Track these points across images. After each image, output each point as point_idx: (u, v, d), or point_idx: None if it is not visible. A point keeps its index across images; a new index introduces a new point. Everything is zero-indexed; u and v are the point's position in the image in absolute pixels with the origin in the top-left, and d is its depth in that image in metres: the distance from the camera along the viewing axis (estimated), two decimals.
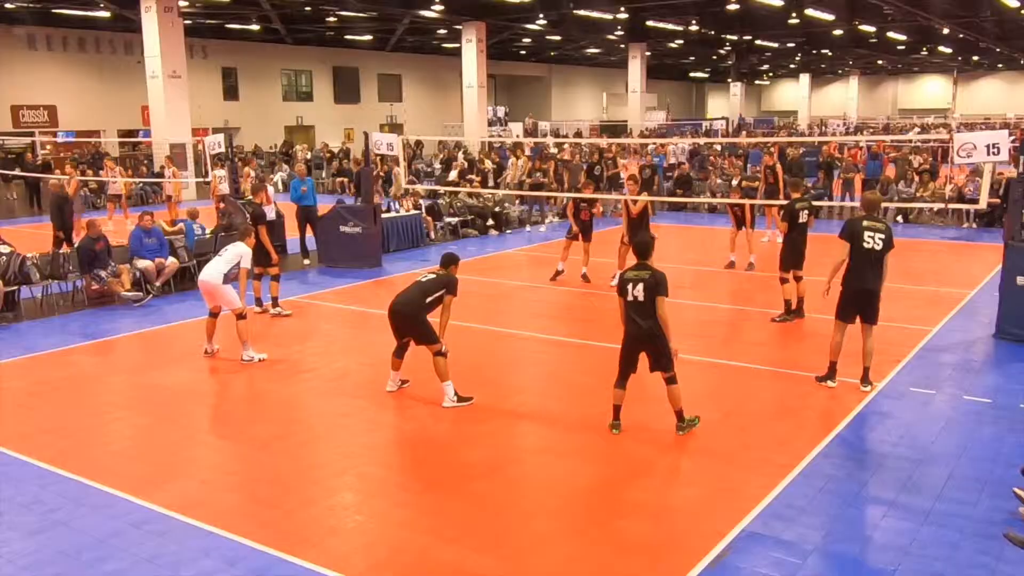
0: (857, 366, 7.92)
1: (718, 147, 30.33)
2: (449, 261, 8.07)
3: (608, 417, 6.97)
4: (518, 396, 8.12)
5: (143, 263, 12.16)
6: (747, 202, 14.31)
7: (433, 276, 7.84)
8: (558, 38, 40.06)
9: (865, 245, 7.47)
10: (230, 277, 9.19)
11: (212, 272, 9.11)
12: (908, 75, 66.71)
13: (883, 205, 19.34)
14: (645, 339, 6.68)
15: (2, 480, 6.22)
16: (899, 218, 19.58)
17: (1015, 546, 4.99)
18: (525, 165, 23.07)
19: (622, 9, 31.59)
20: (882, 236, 7.52)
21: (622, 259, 12.59)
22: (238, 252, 9.24)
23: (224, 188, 18.91)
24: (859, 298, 7.61)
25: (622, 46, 42.27)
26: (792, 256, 10.32)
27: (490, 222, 18.71)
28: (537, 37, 39.80)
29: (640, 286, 6.60)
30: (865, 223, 7.56)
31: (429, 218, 17.60)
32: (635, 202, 12.45)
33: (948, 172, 20.51)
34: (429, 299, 7.67)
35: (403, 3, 28.86)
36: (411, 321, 7.62)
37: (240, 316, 9.13)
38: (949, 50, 46.01)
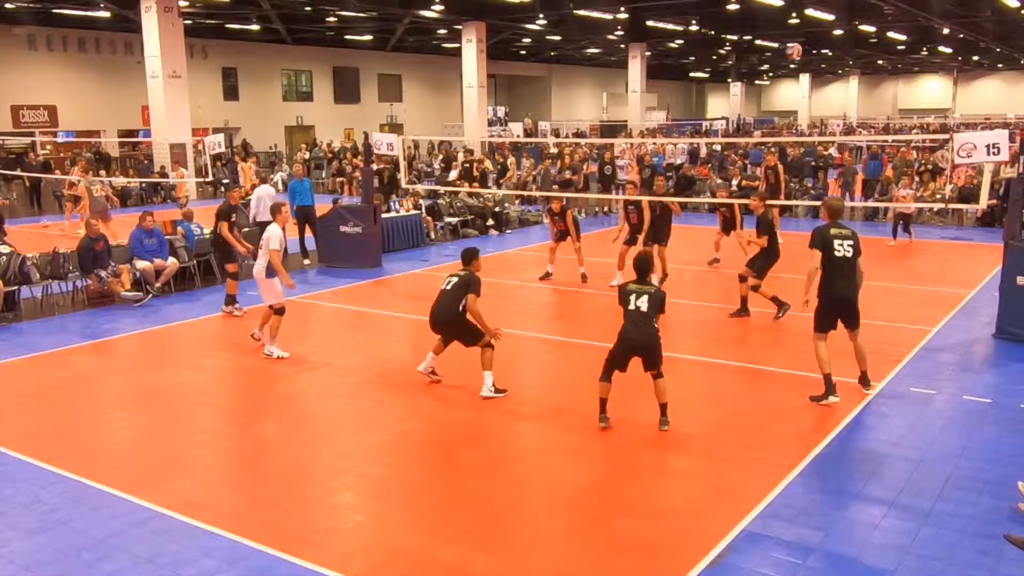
0: (854, 366, 7.91)
1: (717, 147, 30.34)
2: (470, 257, 8.09)
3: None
4: (518, 396, 8.11)
5: (142, 264, 12.16)
6: (747, 202, 14.27)
7: (456, 279, 7.88)
8: (558, 38, 40.04)
9: (837, 254, 7.28)
10: (273, 270, 9.07)
11: (256, 266, 9.19)
12: (908, 75, 66.68)
13: (883, 205, 19.45)
14: (644, 347, 6.85)
15: (2, 480, 6.22)
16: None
17: (1015, 547, 4.99)
18: (521, 165, 23.12)
19: (622, 9, 31.58)
20: (851, 243, 7.34)
21: (622, 259, 12.55)
22: (266, 236, 9.10)
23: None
24: (838, 308, 7.43)
25: (622, 46, 42.25)
26: (761, 263, 10.44)
27: (490, 222, 18.72)
28: (537, 37, 39.79)
29: (644, 298, 6.80)
30: (833, 231, 7.34)
31: (429, 218, 17.61)
32: (635, 207, 12.35)
33: (948, 172, 20.49)
34: (460, 305, 7.78)
35: (403, 3, 28.85)
36: (454, 328, 7.82)
37: (277, 311, 9.12)
38: (949, 50, 45.99)
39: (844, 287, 7.37)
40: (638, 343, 6.84)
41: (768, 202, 12.31)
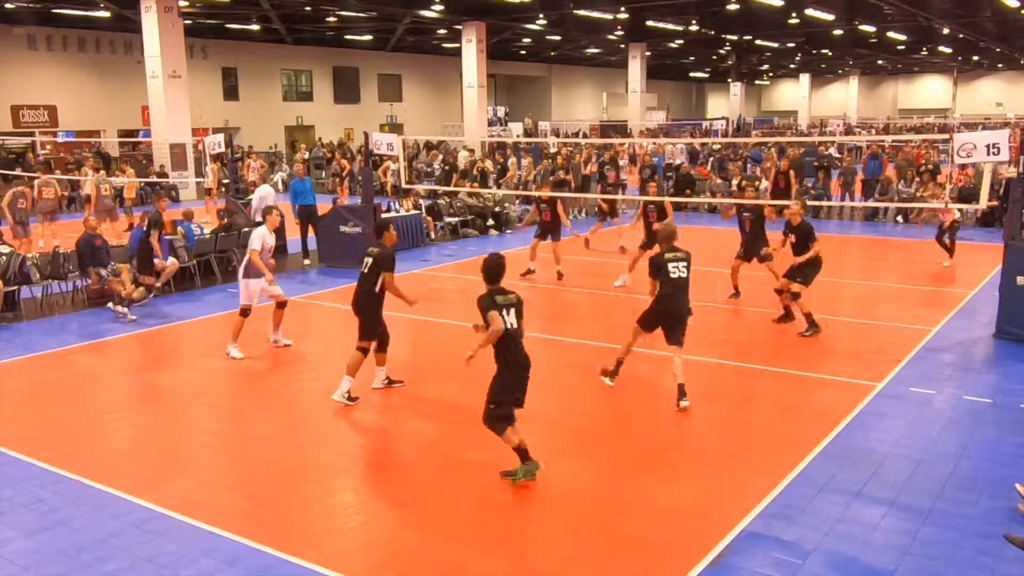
0: (853, 366, 7.93)
1: (716, 146, 30.36)
2: (380, 229, 7.93)
3: (607, 424, 6.95)
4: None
5: None
6: (753, 202, 14.25)
7: (370, 260, 7.65)
8: (558, 38, 40.05)
9: (673, 275, 7.59)
10: (250, 271, 9.15)
11: (241, 266, 9.31)
12: (908, 75, 66.71)
13: (883, 205, 19.45)
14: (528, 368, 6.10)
15: (2, 480, 6.22)
16: (899, 218, 19.59)
17: (1015, 547, 4.99)
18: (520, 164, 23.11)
19: (622, 9, 31.59)
20: (685, 264, 7.65)
21: (635, 263, 12.31)
22: (251, 237, 9.18)
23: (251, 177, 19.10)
24: (668, 318, 7.70)
25: (622, 46, 42.27)
26: (808, 271, 9.92)
27: (490, 222, 18.71)
28: (537, 37, 39.79)
29: (512, 312, 5.97)
30: (667, 256, 7.65)
31: (429, 218, 17.61)
32: (654, 207, 12.17)
33: (948, 172, 20.49)
34: (376, 288, 7.62)
35: (403, 3, 28.85)
36: (362, 312, 7.67)
37: (241, 312, 9.22)
38: (949, 50, 46.01)
39: (680, 303, 7.64)
40: (528, 366, 6.12)
41: (772, 202, 12.23)
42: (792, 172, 16.07)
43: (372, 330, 7.68)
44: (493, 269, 6.00)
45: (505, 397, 5.98)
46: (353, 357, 7.70)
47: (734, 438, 6.86)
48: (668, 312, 7.65)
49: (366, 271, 7.65)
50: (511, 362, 5.96)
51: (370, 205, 14.53)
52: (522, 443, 5.98)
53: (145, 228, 11.30)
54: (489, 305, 5.83)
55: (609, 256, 14.76)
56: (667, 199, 12.55)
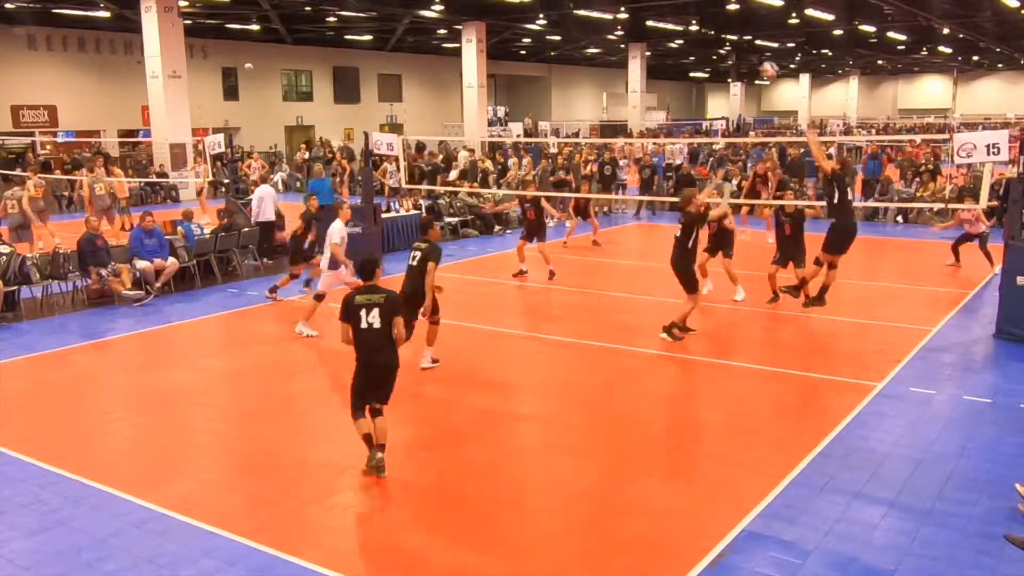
0: (853, 366, 7.94)
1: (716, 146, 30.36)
2: (426, 226, 8.52)
3: (608, 421, 6.96)
4: (518, 396, 8.12)
5: (142, 263, 12.15)
6: (754, 203, 14.27)
7: (419, 253, 8.24)
8: (558, 38, 40.04)
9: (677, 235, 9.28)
10: (334, 262, 9.90)
11: (322, 260, 10.20)
12: (908, 75, 66.66)
13: (883, 205, 19.45)
14: (387, 374, 6.11)
15: (2, 480, 6.22)
16: (899, 218, 19.59)
17: (1015, 547, 4.99)
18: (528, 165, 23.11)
19: (622, 9, 31.58)
20: (682, 225, 9.22)
21: (703, 269, 11.30)
22: (328, 232, 9.90)
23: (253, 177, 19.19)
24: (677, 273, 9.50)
25: (622, 46, 42.26)
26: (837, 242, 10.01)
27: (497, 227, 18.70)
28: (537, 37, 39.77)
29: (376, 311, 5.99)
30: (684, 218, 9.22)
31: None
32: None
33: (949, 172, 20.50)
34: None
35: (403, 3, 28.84)
36: (417, 302, 8.15)
37: (316, 296, 10.01)
38: (949, 50, 45.98)
39: (675, 254, 9.31)
40: (385, 368, 6.09)
41: (751, 201, 12.19)
42: (771, 176, 15.15)
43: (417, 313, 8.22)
44: (361, 266, 6.39)
45: (355, 393, 6.17)
46: (430, 331, 8.44)
47: (734, 438, 6.86)
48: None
49: (414, 264, 8.24)
50: (361, 362, 6.16)
51: (370, 205, 14.51)
52: (368, 435, 6.12)
53: (301, 232, 11.64)
54: (345, 309, 6.11)
55: (611, 257, 14.75)
56: (719, 200, 12.38)
